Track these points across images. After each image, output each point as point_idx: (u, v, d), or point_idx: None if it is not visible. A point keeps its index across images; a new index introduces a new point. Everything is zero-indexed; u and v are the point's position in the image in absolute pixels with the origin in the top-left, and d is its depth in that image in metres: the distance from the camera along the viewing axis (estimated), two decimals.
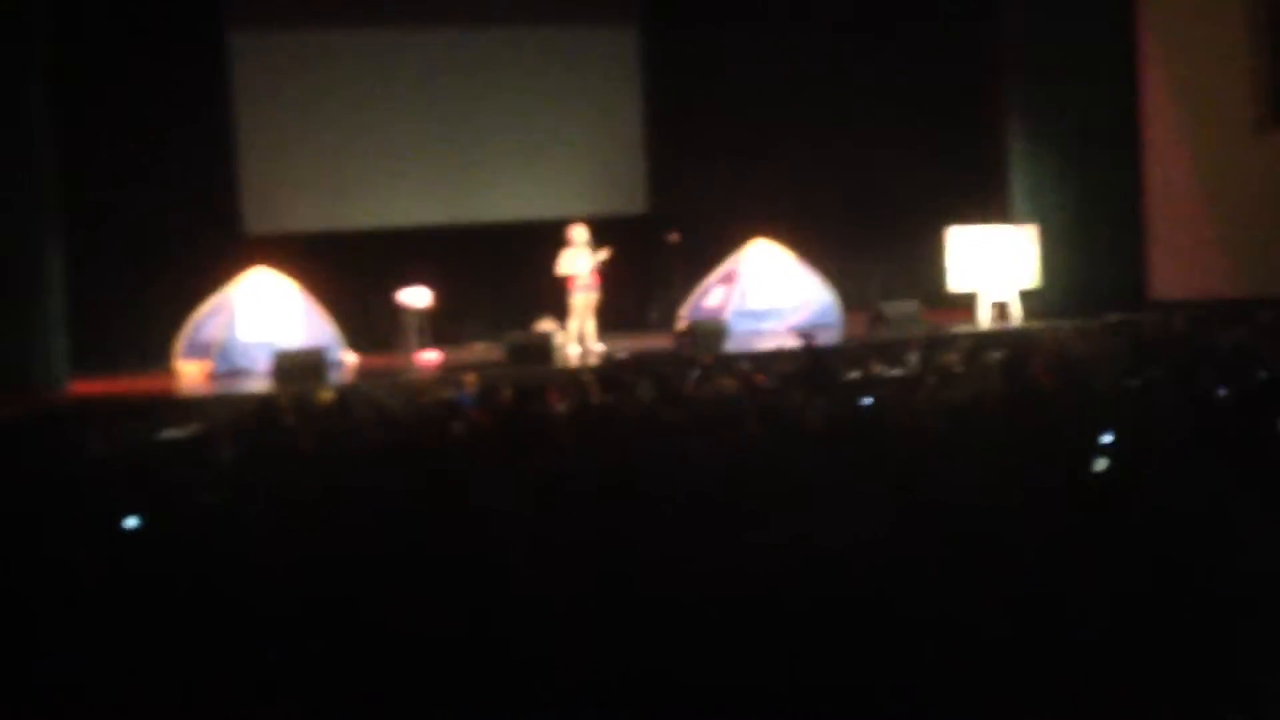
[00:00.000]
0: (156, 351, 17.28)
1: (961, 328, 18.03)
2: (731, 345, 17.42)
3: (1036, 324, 17.96)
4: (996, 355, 12.95)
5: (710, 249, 19.56)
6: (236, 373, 16.84)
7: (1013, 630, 4.72)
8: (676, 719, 4.39)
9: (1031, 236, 18.91)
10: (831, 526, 5.78)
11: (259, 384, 16.06)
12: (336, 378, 16.16)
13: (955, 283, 19.14)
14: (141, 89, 17.81)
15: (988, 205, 19.63)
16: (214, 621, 5.18)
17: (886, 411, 9.39)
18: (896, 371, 12.90)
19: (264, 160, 18.72)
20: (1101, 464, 6.73)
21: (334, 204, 19.04)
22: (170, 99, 18.00)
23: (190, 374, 16.93)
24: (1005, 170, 19.55)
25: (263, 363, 16.53)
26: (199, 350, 17.05)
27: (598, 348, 17.43)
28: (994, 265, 18.92)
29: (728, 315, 18.70)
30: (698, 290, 19.37)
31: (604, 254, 17.37)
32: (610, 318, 18.17)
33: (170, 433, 11.58)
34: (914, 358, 13.57)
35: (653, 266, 19.84)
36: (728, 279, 19.32)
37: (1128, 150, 19.30)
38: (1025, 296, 18.91)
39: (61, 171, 16.42)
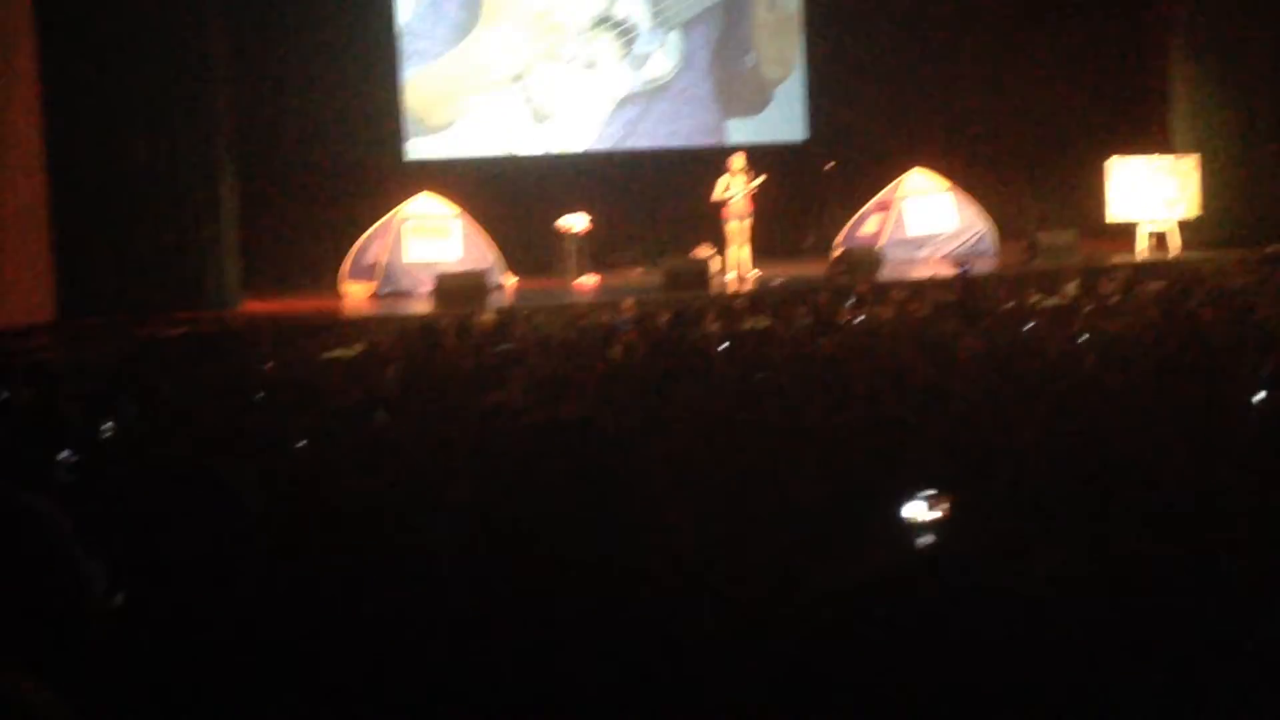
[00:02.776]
0: (323, 273, 17.70)
1: (1119, 258, 17.81)
2: (886, 273, 17.39)
3: (1196, 255, 17.70)
4: (1155, 286, 12.85)
5: (867, 177, 19.51)
6: (400, 294, 17.16)
7: (1166, 561, 4.73)
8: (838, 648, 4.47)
9: (1192, 166, 18.60)
10: (984, 458, 5.83)
11: (422, 306, 16.35)
12: (497, 300, 16.40)
13: (1114, 212, 18.90)
14: (308, 20, 18.14)
15: (1148, 134, 19.33)
16: (377, 540, 5.31)
17: (1042, 342, 9.37)
18: (1053, 301, 12.81)
19: (428, 88, 18.96)
20: (1261, 396, 6.68)
21: (496, 130, 19.24)
22: (335, 29, 18.32)
23: (355, 295, 17.29)
24: (1167, 99, 19.21)
25: (426, 284, 16.81)
26: (364, 272, 17.41)
27: (753, 274, 17.49)
28: (1153, 195, 18.64)
29: (883, 243, 18.65)
30: (854, 218, 19.34)
31: (759, 181, 17.40)
32: (766, 244, 18.23)
33: (336, 352, 11.87)
34: (1071, 287, 13.47)
35: (810, 194, 19.85)
36: (884, 206, 19.26)
37: None
38: (1185, 227, 18.62)
39: (233, 103, 16.82)
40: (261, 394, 8.83)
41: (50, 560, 2.45)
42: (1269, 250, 17.05)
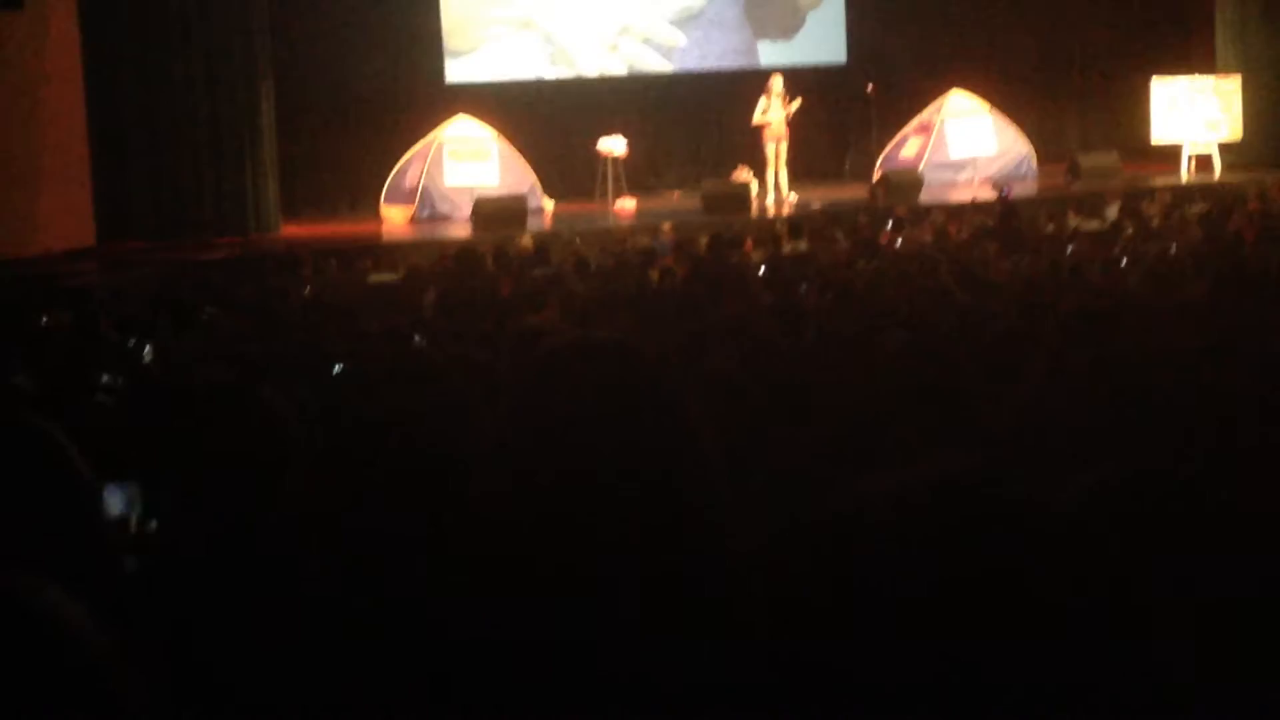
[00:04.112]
0: (362, 197, 17.71)
1: (1161, 180, 17.66)
2: (926, 196, 17.28)
3: (1239, 176, 17.54)
4: (1197, 208, 12.76)
5: (907, 99, 19.35)
6: (438, 218, 17.15)
7: (1208, 489, 4.70)
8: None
9: (1235, 87, 18.39)
10: (1023, 382, 5.81)
11: (460, 229, 16.34)
12: (535, 224, 16.37)
13: (1158, 134, 18.72)
14: None
15: (1191, 55, 19.12)
16: (418, 467, 5.32)
17: (1083, 265, 9.32)
18: (1094, 224, 12.74)
19: (463, 10, 18.88)
20: None
21: (531, 56, 19.15)
22: None
23: (394, 219, 17.29)
24: (1210, 19, 18.97)
25: (464, 208, 16.79)
26: (402, 196, 17.39)
27: (792, 197, 17.43)
28: (1196, 116, 18.45)
29: (923, 166, 18.53)
30: (894, 140, 19.21)
31: (797, 103, 17.30)
32: (806, 167, 18.15)
33: (376, 276, 11.90)
34: (1112, 210, 13.38)
35: (850, 116, 19.71)
36: (924, 129, 19.12)
37: None
38: (1228, 148, 18.44)
39: (270, 26, 16.78)
40: (301, 317, 8.87)
41: (62, 484, 2.45)
42: None
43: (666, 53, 19.59)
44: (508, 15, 19.04)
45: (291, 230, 16.65)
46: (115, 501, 4.39)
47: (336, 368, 6.94)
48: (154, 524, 4.25)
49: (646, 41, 19.53)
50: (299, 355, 7.21)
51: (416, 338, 7.73)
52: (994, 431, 5.11)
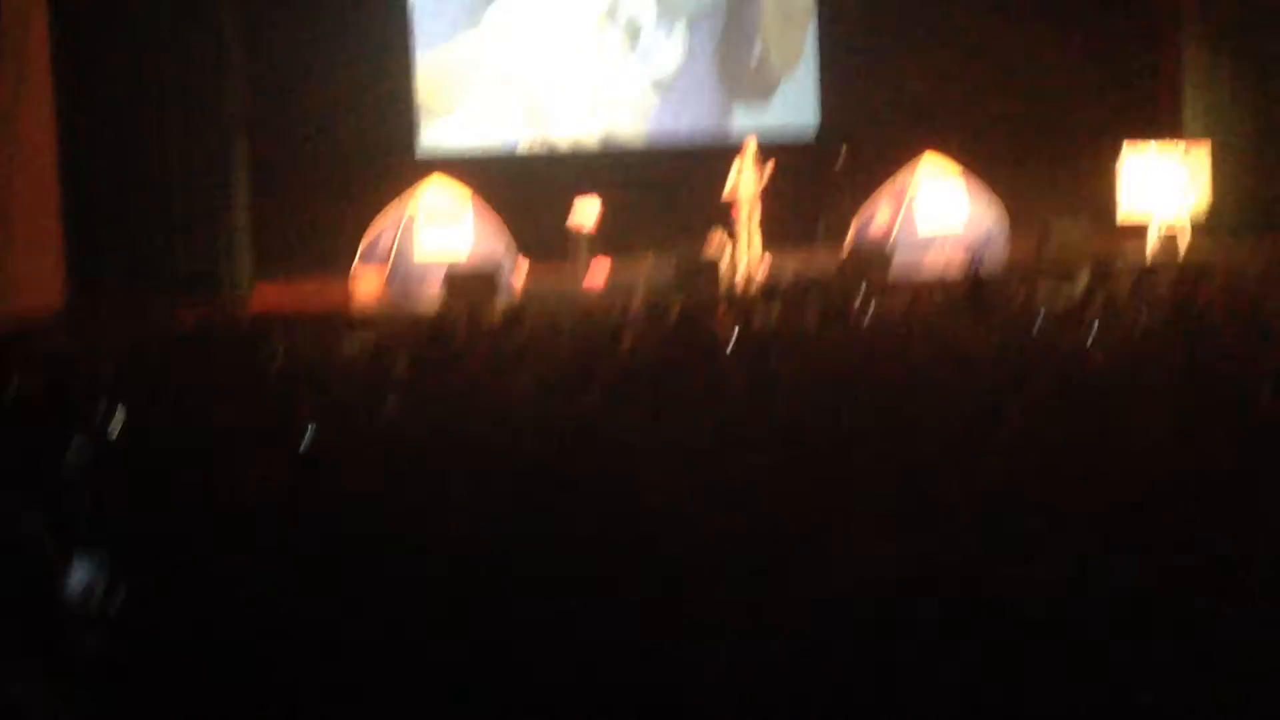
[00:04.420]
0: (336, 261, 17.69)
1: (1132, 250, 17.77)
2: (897, 266, 17.35)
3: (1207, 245, 17.65)
4: (1166, 277, 12.82)
5: (880, 164, 19.45)
6: (411, 285, 17.14)
7: (1177, 557, 4.72)
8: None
9: (1204, 155, 18.54)
10: (994, 454, 5.83)
11: (432, 297, 16.33)
12: (507, 292, 16.37)
13: (1127, 202, 18.85)
14: (321, 2, 18.16)
15: (1160, 122, 19.29)
16: (385, 533, 5.30)
17: (1052, 337, 9.36)
18: (1064, 295, 12.78)
19: (438, 73, 18.97)
20: (1271, 392, 6.66)
21: (506, 120, 19.24)
22: (348, 11, 18.32)
23: (367, 284, 17.26)
24: (1179, 86, 19.15)
25: (436, 276, 16.80)
26: (376, 260, 17.37)
27: (765, 265, 17.49)
28: (1166, 185, 18.58)
29: (895, 233, 18.60)
30: (866, 207, 19.29)
31: (769, 168, 17.42)
32: (779, 233, 18.22)
33: (348, 344, 11.87)
34: (1082, 281, 13.43)
35: (821, 181, 19.79)
36: (895, 196, 19.19)
37: None
38: (1197, 217, 18.57)
39: (246, 88, 16.82)
40: (270, 387, 8.85)
41: (24, 562, 2.44)
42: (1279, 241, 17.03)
43: (642, 116, 19.68)
44: (484, 78, 19.13)
45: (264, 293, 16.64)
46: (79, 574, 4.36)
47: (307, 435, 6.94)
48: (116, 597, 4.21)
49: (622, 105, 19.62)
50: (269, 422, 7.21)
51: (387, 405, 7.72)
52: (961, 510, 5.13)
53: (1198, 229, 18.42)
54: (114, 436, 7.22)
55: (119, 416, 7.48)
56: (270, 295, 16.62)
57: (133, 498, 5.79)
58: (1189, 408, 6.54)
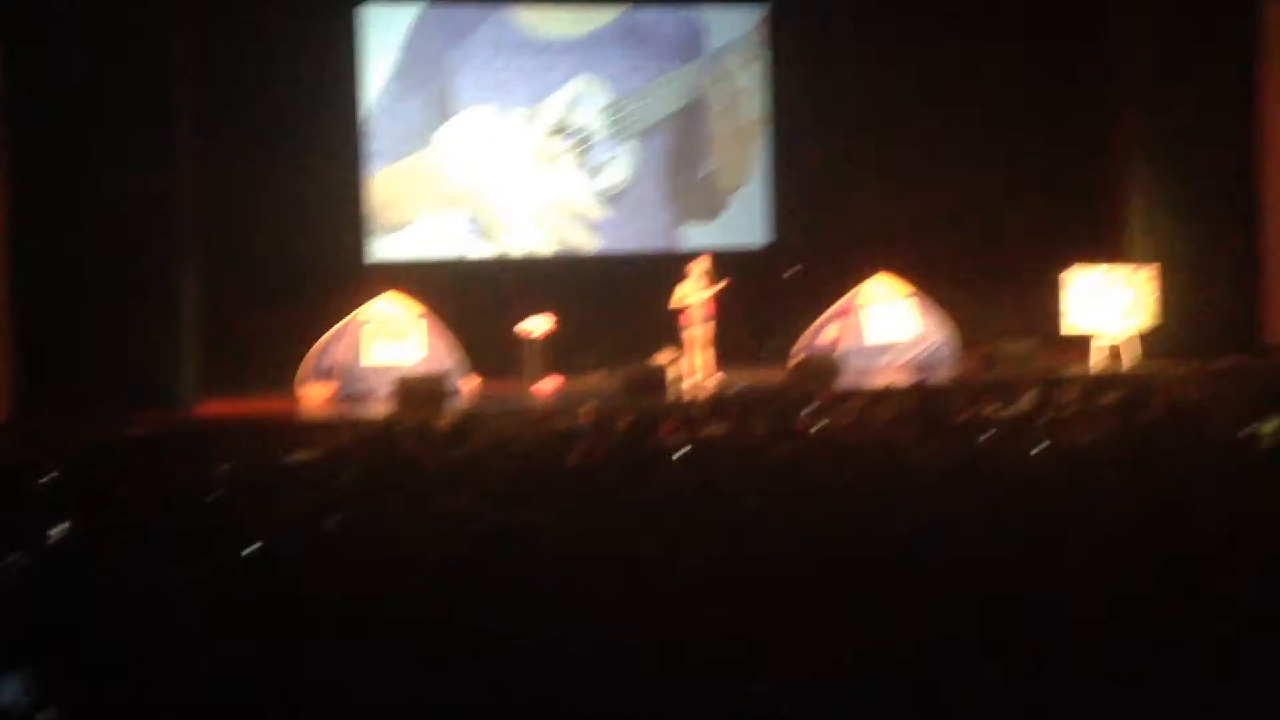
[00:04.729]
0: (284, 374, 17.64)
1: (1077, 368, 17.93)
2: (845, 380, 17.46)
3: (1151, 365, 17.84)
4: (1111, 397, 12.91)
5: (828, 282, 19.63)
6: (359, 396, 17.12)
7: (1115, 676, 4.75)
8: None
9: (1148, 277, 18.80)
10: (940, 567, 5.84)
11: (380, 408, 16.31)
12: (456, 404, 16.37)
13: (1072, 322, 19.05)
14: (272, 117, 18.23)
15: (1105, 244, 19.55)
16: (333, 643, 5.26)
17: (999, 452, 9.40)
18: (1010, 411, 12.86)
19: (390, 188, 19.04)
20: (1210, 514, 6.71)
21: (456, 233, 19.31)
22: (300, 126, 18.40)
23: (315, 397, 17.24)
24: (1123, 209, 19.44)
25: (385, 387, 16.81)
26: (324, 374, 17.37)
27: (713, 380, 17.56)
28: (1110, 305, 18.82)
29: (843, 350, 18.74)
30: (814, 324, 19.44)
31: (721, 285, 17.56)
32: (727, 349, 18.32)
33: (294, 455, 11.81)
34: (1028, 398, 13.52)
35: (771, 299, 19.94)
36: (844, 313, 19.36)
37: (1246, 190, 19.14)
38: (1141, 337, 18.80)
39: (196, 200, 16.82)
40: (218, 496, 8.78)
41: None
42: (1222, 363, 17.21)
43: (592, 229, 19.79)
44: (436, 192, 19.22)
45: (212, 407, 16.55)
46: (9, 690, 4.28)
47: (251, 548, 6.87)
48: (48, 715, 4.14)
49: (573, 217, 19.73)
50: (214, 535, 7.14)
51: (335, 518, 7.67)
52: (910, 616, 5.13)
53: (1144, 347, 18.62)
54: (54, 547, 7.14)
55: (60, 528, 7.41)
56: (218, 409, 16.53)
57: (71, 610, 5.72)
58: (1134, 519, 6.58)
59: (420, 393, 16.18)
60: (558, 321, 17.87)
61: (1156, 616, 5.23)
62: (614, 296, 19.48)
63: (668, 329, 18.03)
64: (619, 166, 19.86)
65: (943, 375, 17.87)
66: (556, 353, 18.00)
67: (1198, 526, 6.49)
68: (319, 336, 17.63)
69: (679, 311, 17.67)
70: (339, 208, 18.81)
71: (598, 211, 19.79)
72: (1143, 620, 5.15)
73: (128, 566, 6.42)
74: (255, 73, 18.13)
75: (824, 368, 17.76)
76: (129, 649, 5.20)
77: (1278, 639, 4.91)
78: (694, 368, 17.63)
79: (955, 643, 4.87)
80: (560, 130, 19.63)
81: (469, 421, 13.45)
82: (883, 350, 19.14)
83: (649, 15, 19.97)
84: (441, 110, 19.22)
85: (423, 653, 5.06)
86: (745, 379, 17.73)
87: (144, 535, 7.21)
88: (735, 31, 20.30)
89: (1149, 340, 18.75)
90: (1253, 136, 19.14)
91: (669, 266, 18.33)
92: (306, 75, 18.49)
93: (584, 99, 19.69)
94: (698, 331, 17.63)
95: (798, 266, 19.21)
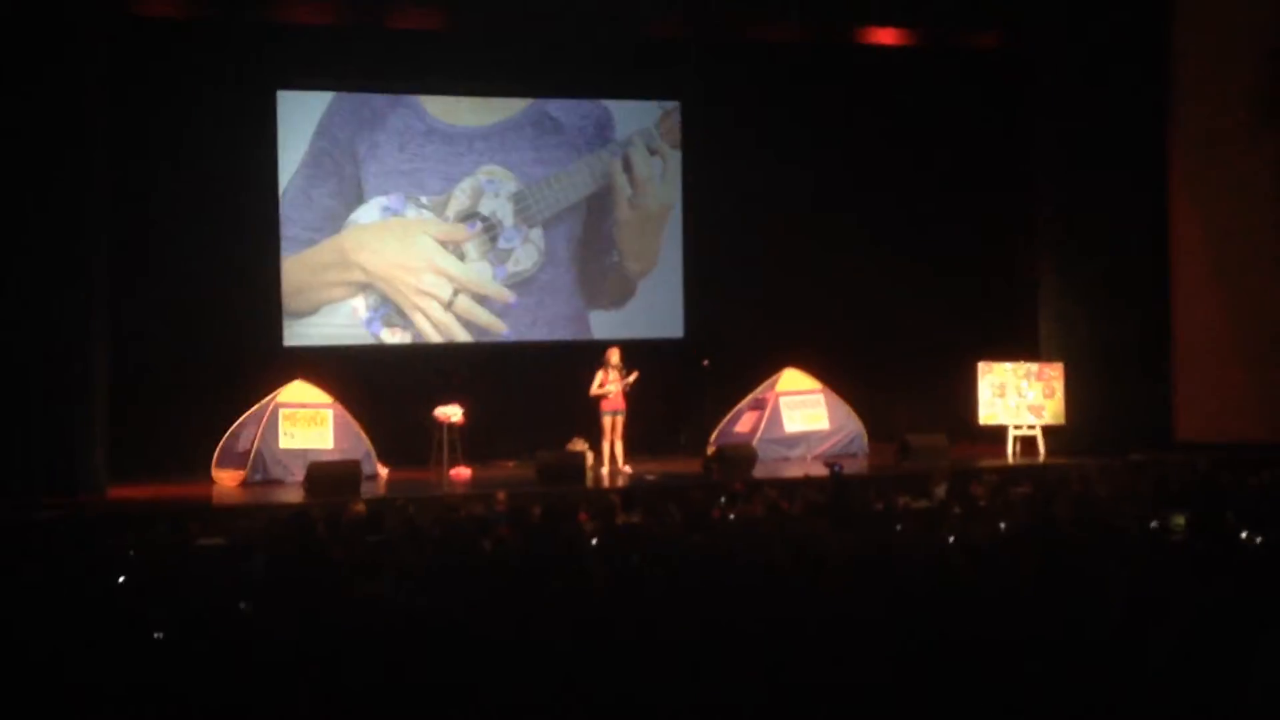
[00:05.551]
0: (194, 460, 17.47)
1: (987, 462, 18.10)
2: (760, 471, 17.52)
3: (1062, 460, 18.02)
4: (1021, 491, 13.05)
5: (742, 375, 19.74)
6: (271, 482, 16.98)
7: None
8: None
9: (1058, 374, 19.06)
10: (851, 660, 5.86)
11: (292, 494, 16.19)
12: (369, 490, 16.28)
13: (983, 416, 19.26)
14: (185, 204, 18.17)
15: (1016, 341, 19.80)
16: None
17: (910, 544, 9.46)
18: (923, 503, 12.95)
19: (301, 275, 18.98)
20: (1119, 606, 6.77)
21: (371, 316, 19.27)
22: (212, 213, 18.33)
23: (225, 482, 17.09)
24: (1034, 307, 19.70)
25: (297, 473, 16.70)
26: (235, 460, 17.22)
27: (627, 469, 17.58)
28: (1021, 401, 19.07)
29: (757, 441, 18.81)
30: (728, 415, 19.53)
31: (633, 377, 17.63)
32: (642, 439, 18.35)
33: (204, 541, 11.69)
34: (940, 490, 13.63)
35: (685, 391, 20.01)
36: (758, 405, 19.47)
37: (1157, 290, 19.46)
38: (1051, 433, 19.03)
39: (108, 285, 16.67)
40: (123, 583, 8.67)
41: None
42: (1133, 459, 17.46)
43: (501, 315, 19.78)
44: (346, 279, 19.17)
45: (121, 492, 16.34)
46: None
47: (156, 636, 6.79)
48: None
49: (481, 304, 19.73)
50: (118, 623, 7.05)
51: (242, 605, 7.59)
52: (826, 706, 5.15)
53: (1052, 444, 18.84)
54: None
55: None
56: (130, 493, 16.33)
57: None
58: (1043, 613, 6.63)
59: (332, 478, 16.08)
60: (470, 409, 17.83)
61: (1064, 706, 5.27)
62: (527, 385, 19.49)
63: (581, 417, 18.06)
64: (526, 253, 19.93)
65: (856, 466, 17.97)
66: (470, 440, 17.95)
67: (1106, 616, 6.55)
68: (231, 422, 17.49)
69: (594, 400, 17.71)
70: (256, 291, 18.71)
71: (507, 296, 19.81)
72: (1051, 710, 5.19)
73: (36, 649, 6.34)
74: (175, 153, 18.08)
75: (739, 456, 17.81)
76: None
77: None
78: (609, 456, 17.65)
79: None
80: (468, 217, 19.69)
81: (382, 507, 13.38)
82: (797, 440, 19.24)
83: (557, 106, 20.12)
84: (354, 196, 19.23)
85: None
86: (660, 469, 17.75)
87: (52, 619, 7.11)
88: (642, 123, 20.47)
89: (1062, 434, 18.96)
90: (1165, 234, 19.49)
91: (582, 355, 18.40)
92: (225, 158, 18.45)
93: (491, 186, 19.78)
94: (612, 420, 17.68)
95: (707, 359, 19.32)
